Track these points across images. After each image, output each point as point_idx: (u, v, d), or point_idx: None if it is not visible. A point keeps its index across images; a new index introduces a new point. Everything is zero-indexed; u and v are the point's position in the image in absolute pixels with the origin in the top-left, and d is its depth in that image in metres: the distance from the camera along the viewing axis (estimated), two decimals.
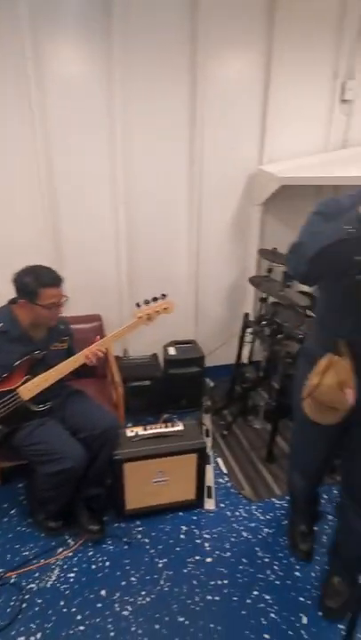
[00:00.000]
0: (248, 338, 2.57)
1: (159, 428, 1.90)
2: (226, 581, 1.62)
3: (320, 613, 1.51)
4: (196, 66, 2.24)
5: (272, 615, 1.50)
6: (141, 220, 2.48)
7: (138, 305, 1.73)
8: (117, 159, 2.30)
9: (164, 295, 1.85)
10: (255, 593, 1.58)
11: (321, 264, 1.08)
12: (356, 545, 1.48)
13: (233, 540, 1.79)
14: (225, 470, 2.16)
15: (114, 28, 2.07)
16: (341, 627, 1.46)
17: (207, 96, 2.32)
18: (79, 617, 1.49)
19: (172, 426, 1.92)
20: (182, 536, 1.80)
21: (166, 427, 1.91)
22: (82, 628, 1.45)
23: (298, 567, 1.68)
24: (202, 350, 2.60)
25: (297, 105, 2.49)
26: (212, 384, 2.85)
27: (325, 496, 1.96)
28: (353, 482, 1.44)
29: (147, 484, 1.82)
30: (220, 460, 2.22)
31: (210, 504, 1.95)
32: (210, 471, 2.14)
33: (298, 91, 2.46)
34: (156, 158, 2.39)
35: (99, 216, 2.41)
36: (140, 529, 1.83)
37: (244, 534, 1.82)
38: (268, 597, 1.56)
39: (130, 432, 1.87)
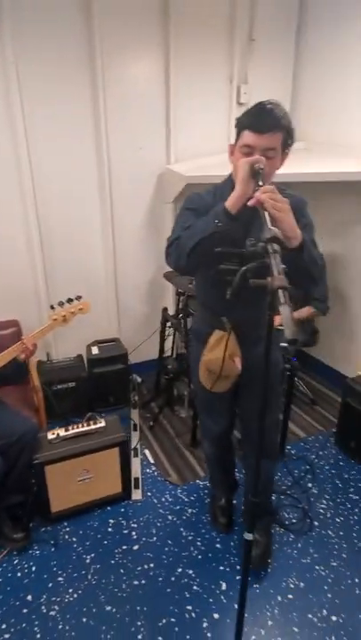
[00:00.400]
0: (169, 331, 2.67)
1: (81, 427, 1.92)
2: (152, 564, 1.70)
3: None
4: (95, 69, 2.26)
5: (195, 587, 1.61)
6: (55, 221, 2.46)
7: (52, 307, 1.77)
8: (22, 162, 2.25)
9: (79, 297, 1.88)
10: (179, 570, 1.67)
11: (197, 256, 1.19)
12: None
13: (159, 524, 1.87)
14: (152, 460, 2.24)
15: (4, 30, 2.03)
16: (256, 586, 1.61)
17: (110, 98, 2.35)
18: (4, 626, 1.48)
19: (95, 423, 1.95)
20: (110, 529, 1.85)
21: (88, 425, 1.94)
22: (7, 636, 1.45)
23: (218, 540, 1.80)
24: (125, 347, 2.65)
25: (198, 107, 2.61)
26: (139, 379, 2.91)
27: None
28: (245, 429, 1.65)
29: (72, 484, 1.84)
30: (147, 452, 2.30)
31: (137, 494, 2.02)
32: (137, 463, 2.21)
33: (197, 94, 2.58)
34: (65, 160, 2.37)
35: (7, 218, 2.35)
36: (68, 529, 1.85)
37: (170, 518, 1.91)
38: (191, 572, 1.67)
39: (51, 435, 1.87)
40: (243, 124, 1.16)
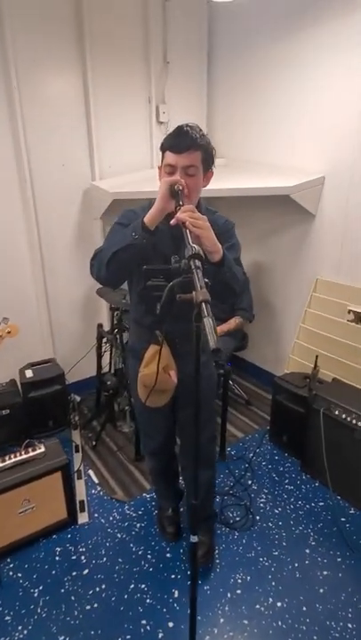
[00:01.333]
0: (106, 347, 2.66)
1: (19, 456, 1.84)
2: (104, 586, 1.68)
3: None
4: (10, 86, 2.23)
5: (148, 601, 1.62)
6: None
7: None
8: None
9: (5, 319, 1.81)
10: (132, 586, 1.68)
11: (115, 267, 1.24)
12: (198, 493, 1.72)
13: (108, 544, 1.86)
14: (97, 480, 2.21)
15: None
16: (207, 587, 1.67)
17: (28, 115, 2.33)
18: None
19: (34, 450, 1.88)
20: (57, 558, 1.79)
21: (27, 452, 1.87)
22: None
23: (168, 549, 1.84)
24: (61, 367, 2.59)
25: (120, 125, 2.68)
26: (78, 399, 2.86)
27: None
28: (183, 442, 1.71)
29: (12, 517, 1.76)
30: (91, 472, 2.26)
31: (83, 517, 1.98)
32: (81, 485, 2.16)
33: (118, 112, 2.65)
34: None
35: None
36: (12, 565, 1.76)
37: (119, 535, 1.90)
38: (143, 586, 1.68)
39: None
40: (165, 146, 1.25)
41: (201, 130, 1.24)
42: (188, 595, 1.57)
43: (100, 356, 2.66)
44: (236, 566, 1.76)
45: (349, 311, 2.34)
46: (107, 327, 2.77)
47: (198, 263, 0.88)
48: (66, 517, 1.91)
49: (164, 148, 1.25)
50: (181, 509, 1.98)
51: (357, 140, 2.18)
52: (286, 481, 2.22)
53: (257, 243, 2.88)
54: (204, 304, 0.78)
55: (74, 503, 1.95)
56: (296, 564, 1.76)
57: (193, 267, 0.87)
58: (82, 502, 2.05)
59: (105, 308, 2.92)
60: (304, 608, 1.58)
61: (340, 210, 2.37)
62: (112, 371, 2.78)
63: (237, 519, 1.99)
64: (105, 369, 2.80)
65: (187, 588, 1.66)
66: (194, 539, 1.09)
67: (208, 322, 0.75)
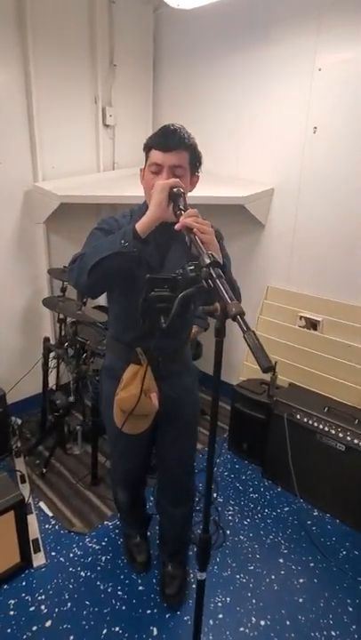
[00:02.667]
0: (53, 363, 2.43)
1: None
2: (72, 637, 1.47)
3: (164, 604, 1.58)
4: None
5: None
6: None
7: None
8: None
9: None
10: (104, 632, 1.50)
11: (99, 275, 1.11)
12: (172, 527, 1.62)
13: (72, 586, 1.65)
14: (50, 513, 1.97)
15: None
16: (187, 617, 1.56)
17: None
18: None
19: None
20: (12, 612, 1.54)
21: None
22: None
23: (140, 581, 1.69)
24: (1, 388, 2.30)
25: (66, 127, 2.50)
26: (19, 422, 2.56)
27: (152, 498, 2.05)
28: (164, 476, 1.56)
29: None
30: (42, 504, 2.01)
31: (39, 559, 1.74)
32: (33, 521, 1.91)
33: (64, 114, 2.48)
34: None
35: None
36: None
37: (83, 574, 1.70)
38: (117, 629, 1.51)
39: None
40: (150, 145, 1.16)
41: (188, 131, 1.17)
42: (168, 629, 1.47)
43: (46, 373, 2.41)
44: (215, 589, 1.67)
45: (301, 317, 2.43)
46: (53, 340, 2.53)
47: (220, 272, 0.79)
48: (19, 562, 1.66)
49: (148, 147, 1.16)
50: (149, 534, 1.84)
51: (303, 155, 2.28)
52: (250, 489, 2.21)
53: None
54: (239, 317, 0.69)
55: (28, 544, 1.70)
56: (273, 576, 1.73)
57: (214, 275, 0.78)
58: (35, 541, 1.80)
59: (49, 320, 2.67)
60: (288, 622, 1.55)
61: (288, 220, 2.46)
62: (58, 387, 2.54)
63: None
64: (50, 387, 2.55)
65: (165, 622, 1.53)
66: (202, 576, 0.98)
67: (252, 338, 0.66)
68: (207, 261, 0.79)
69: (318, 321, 2.35)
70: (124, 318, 1.31)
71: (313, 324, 2.38)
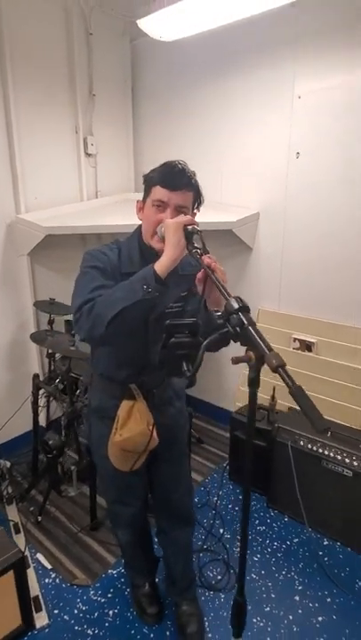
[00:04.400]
0: (43, 401, 2.31)
1: None
2: None
3: None
4: None
5: None
6: None
7: None
8: None
9: None
10: None
11: (119, 325, 1.05)
12: (179, 556, 1.58)
13: None
14: (49, 565, 1.83)
15: None
16: None
17: None
18: None
19: None
20: None
21: None
22: None
23: (152, 635, 1.57)
24: None
25: (47, 157, 2.47)
26: (8, 464, 2.40)
27: (156, 539, 1.94)
28: (162, 501, 1.51)
29: None
30: (40, 556, 1.88)
31: (41, 619, 1.60)
32: (32, 576, 1.77)
33: (45, 144, 2.45)
34: None
35: None
36: None
37: (90, 631, 1.57)
38: None
39: None
40: (154, 180, 1.13)
41: (191, 169, 1.15)
42: None
43: (36, 412, 2.29)
44: (229, 636, 1.57)
45: (295, 339, 2.42)
46: (41, 376, 2.42)
47: (250, 318, 0.75)
48: (20, 625, 1.52)
49: (153, 182, 1.13)
50: (157, 580, 1.74)
51: (288, 180, 2.32)
52: (257, 521, 2.13)
53: None
54: (282, 370, 0.65)
55: (27, 604, 1.56)
56: (291, 617, 1.65)
57: (246, 322, 0.74)
58: (36, 599, 1.66)
59: (36, 355, 2.56)
60: None
61: (275, 244, 2.48)
62: (49, 425, 2.42)
63: (219, 578, 1.82)
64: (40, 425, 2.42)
65: None
66: None
67: (300, 395, 0.62)
68: (236, 306, 0.75)
69: (313, 342, 2.35)
70: (119, 356, 1.27)
71: (307, 346, 2.37)
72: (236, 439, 2.36)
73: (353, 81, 2.00)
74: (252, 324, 0.73)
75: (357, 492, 1.86)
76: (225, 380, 2.87)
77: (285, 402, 2.39)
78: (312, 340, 2.36)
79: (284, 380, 0.64)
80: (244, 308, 0.76)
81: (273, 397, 2.27)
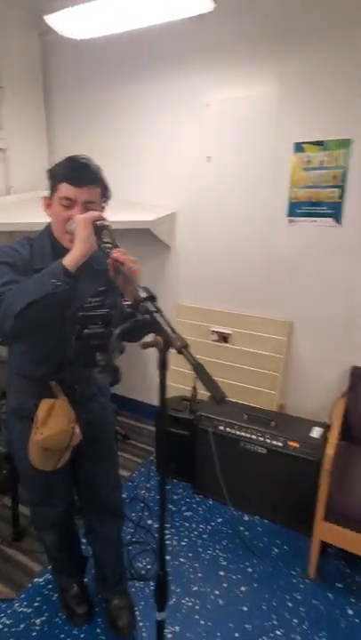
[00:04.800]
0: None
1: None
2: None
3: (120, 638, 1.52)
4: None
5: None
6: None
7: None
8: None
9: None
10: None
11: (28, 320, 1.03)
12: (109, 552, 1.59)
13: None
14: None
15: None
16: None
17: None
18: None
19: None
20: None
21: None
22: None
23: (82, 635, 1.56)
24: None
25: None
26: None
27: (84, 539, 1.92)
28: (91, 497, 1.51)
29: None
30: None
31: None
32: None
33: None
34: None
35: None
36: None
37: None
38: None
39: None
40: (59, 177, 1.13)
41: (96, 163, 1.17)
42: None
43: None
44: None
45: (213, 332, 2.56)
46: None
47: (156, 305, 0.80)
48: None
49: (58, 179, 1.12)
50: (86, 580, 1.72)
51: (200, 182, 2.44)
52: (184, 508, 2.22)
53: None
54: (185, 350, 0.70)
55: None
56: (217, 592, 1.75)
57: (154, 309, 0.78)
58: None
59: None
60: (236, 634, 1.58)
61: (191, 242, 2.59)
62: None
63: (148, 567, 1.86)
64: None
65: None
66: (161, 616, 0.95)
67: (202, 370, 0.68)
68: (144, 295, 0.80)
69: (229, 334, 2.51)
70: (35, 353, 1.25)
71: (224, 338, 2.52)
72: (160, 431, 2.42)
73: (253, 95, 2.18)
74: (159, 310, 0.78)
75: (271, 466, 2.03)
76: (150, 376, 2.92)
77: (203, 390, 2.51)
78: (228, 332, 2.51)
79: (187, 358, 0.70)
80: (151, 297, 0.80)
81: (194, 388, 2.37)
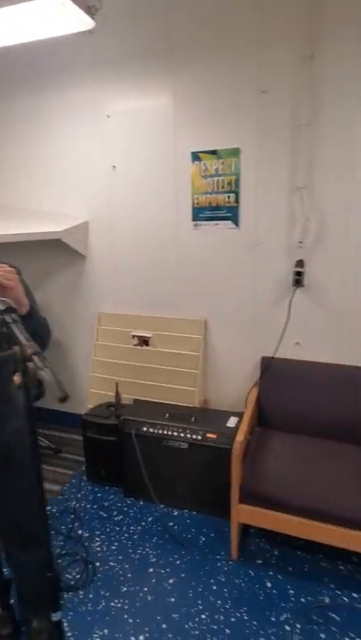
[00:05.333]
0: None
1: None
2: None
3: None
4: None
5: None
6: None
7: None
8: None
9: None
10: None
11: None
12: (27, 577, 1.54)
13: None
14: None
15: None
16: None
17: None
18: None
19: None
20: None
21: None
22: None
23: None
24: None
25: None
26: None
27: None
28: (6, 523, 1.46)
29: None
30: None
31: None
32: None
33: None
34: None
35: None
36: None
37: None
38: None
39: None
40: None
41: None
42: None
43: None
44: (90, 627, 1.63)
45: (133, 336, 2.61)
46: None
47: (15, 316, 0.82)
48: None
49: None
50: (12, 601, 1.68)
51: (109, 191, 2.50)
52: (114, 513, 2.24)
53: (35, 286, 2.81)
54: (35, 357, 0.74)
55: None
56: (145, 589, 1.79)
57: (10, 320, 0.81)
58: None
59: None
60: (164, 626, 1.63)
61: (106, 250, 2.63)
62: None
63: (78, 576, 1.86)
64: None
65: None
66: (56, 617, 0.97)
67: (49, 373, 0.72)
68: (2, 308, 0.82)
69: (149, 337, 2.58)
70: None
71: (145, 341, 2.59)
72: (89, 440, 2.42)
73: (150, 107, 2.28)
74: (15, 321, 0.82)
75: (193, 460, 2.13)
76: (78, 385, 2.90)
77: (131, 395, 2.56)
78: (148, 335, 2.58)
79: (35, 364, 0.74)
80: (10, 309, 0.83)
81: (117, 393, 2.41)
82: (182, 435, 2.14)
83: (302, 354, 2.29)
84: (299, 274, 2.16)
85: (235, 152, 2.17)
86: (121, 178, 2.45)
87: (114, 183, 2.48)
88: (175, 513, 2.22)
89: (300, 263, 2.17)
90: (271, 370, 2.28)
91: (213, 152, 2.21)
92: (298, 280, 2.17)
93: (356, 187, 2.00)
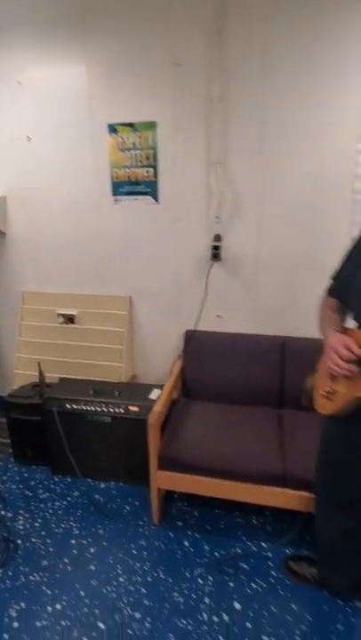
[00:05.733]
0: None
1: None
2: None
3: None
4: None
5: None
6: None
7: None
8: None
9: None
10: None
11: None
12: None
13: None
14: None
15: None
16: None
17: None
18: None
19: None
20: None
21: None
22: None
23: None
24: None
25: None
26: None
27: None
28: None
29: None
30: None
31: None
32: None
33: None
34: None
35: None
36: None
37: None
38: None
39: None
40: None
41: None
42: None
43: None
44: (7, 603, 1.62)
45: (58, 314, 2.56)
46: None
47: None
48: None
49: None
50: None
51: (25, 163, 2.38)
52: (40, 491, 2.22)
53: None
54: None
55: None
56: (66, 560, 1.81)
57: None
58: None
59: None
60: (82, 592, 1.66)
61: (27, 225, 2.53)
62: None
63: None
64: None
65: None
66: None
67: None
68: None
69: (74, 315, 2.54)
70: None
71: (70, 319, 2.55)
72: (13, 421, 2.36)
73: (64, 75, 2.18)
74: None
75: (117, 433, 2.15)
76: (5, 367, 2.80)
77: (57, 374, 2.51)
78: (74, 313, 2.54)
79: None
80: None
81: (40, 372, 2.35)
82: (105, 409, 2.15)
83: (224, 326, 2.37)
84: (216, 248, 2.22)
85: (151, 125, 2.16)
86: (36, 149, 2.35)
87: (30, 155, 2.37)
88: (102, 486, 2.24)
89: (217, 237, 2.22)
90: (194, 342, 2.34)
91: (130, 124, 2.18)
92: (215, 254, 2.23)
93: (265, 160, 2.07)
